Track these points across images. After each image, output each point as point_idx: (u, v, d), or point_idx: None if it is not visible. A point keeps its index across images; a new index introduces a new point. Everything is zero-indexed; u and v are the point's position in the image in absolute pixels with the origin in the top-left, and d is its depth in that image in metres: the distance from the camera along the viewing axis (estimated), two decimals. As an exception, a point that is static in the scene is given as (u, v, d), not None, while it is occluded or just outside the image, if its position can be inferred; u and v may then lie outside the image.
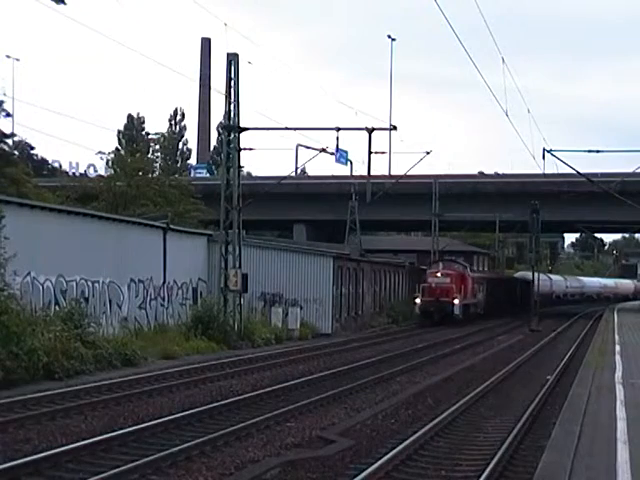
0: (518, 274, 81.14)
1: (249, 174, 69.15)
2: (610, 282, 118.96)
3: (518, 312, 62.18)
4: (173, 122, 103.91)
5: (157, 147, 65.74)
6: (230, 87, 32.41)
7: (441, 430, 14.54)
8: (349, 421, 15.45)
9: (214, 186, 41.33)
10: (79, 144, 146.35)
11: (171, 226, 32.45)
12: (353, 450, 12.81)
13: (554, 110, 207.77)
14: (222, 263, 30.88)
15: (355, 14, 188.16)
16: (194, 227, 39.43)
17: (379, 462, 11.55)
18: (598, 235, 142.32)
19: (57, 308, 23.78)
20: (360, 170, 58.85)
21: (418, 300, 47.53)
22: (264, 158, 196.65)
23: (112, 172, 53.24)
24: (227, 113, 32.77)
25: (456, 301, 47.05)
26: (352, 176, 62.35)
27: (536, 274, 53.08)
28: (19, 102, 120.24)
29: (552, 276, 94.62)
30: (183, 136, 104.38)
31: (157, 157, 63.90)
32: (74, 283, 25.33)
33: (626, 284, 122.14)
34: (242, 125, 32.64)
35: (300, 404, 16.69)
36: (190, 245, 34.19)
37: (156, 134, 74.66)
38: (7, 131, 45.59)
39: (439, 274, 48.55)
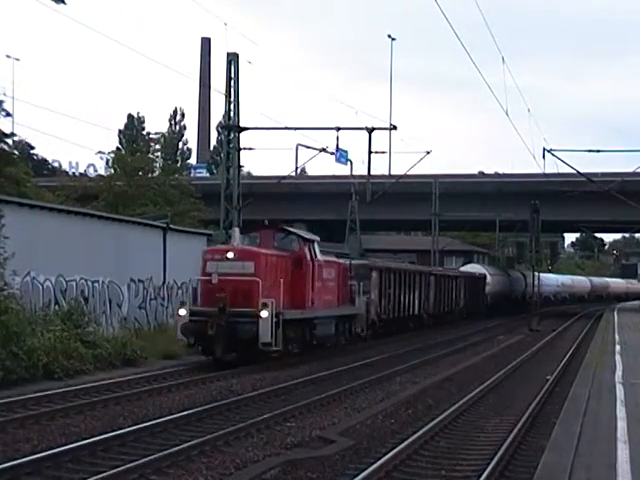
0: (465, 267, 64.38)
1: (249, 174, 69.14)
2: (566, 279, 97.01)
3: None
4: (173, 122, 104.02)
5: (157, 147, 65.70)
6: (230, 87, 32.45)
7: (441, 430, 14.53)
8: (349, 421, 15.44)
9: (214, 186, 41.35)
10: (79, 144, 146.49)
11: (171, 226, 32.40)
12: (353, 450, 12.80)
13: (554, 110, 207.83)
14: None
15: (355, 14, 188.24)
16: (194, 227, 39.39)
17: (379, 462, 11.55)
18: (598, 235, 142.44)
19: (57, 308, 23.76)
20: (360, 170, 58.78)
21: (182, 312, 23.19)
22: (264, 158, 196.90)
23: (112, 172, 53.23)
24: (227, 113, 32.81)
25: (264, 314, 22.15)
26: (352, 176, 62.33)
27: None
28: (19, 102, 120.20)
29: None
30: (183, 136, 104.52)
31: (157, 157, 63.89)
32: (74, 283, 25.30)
33: (583, 282, 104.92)
34: (242, 125, 32.68)
35: (300, 404, 16.69)
36: (190, 245, 34.15)
37: (156, 134, 74.55)
38: (7, 131, 45.54)
39: (231, 254, 23.30)
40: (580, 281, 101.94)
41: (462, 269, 61.13)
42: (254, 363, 22.53)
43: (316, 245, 26.03)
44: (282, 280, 23.50)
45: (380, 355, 27.52)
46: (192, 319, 22.73)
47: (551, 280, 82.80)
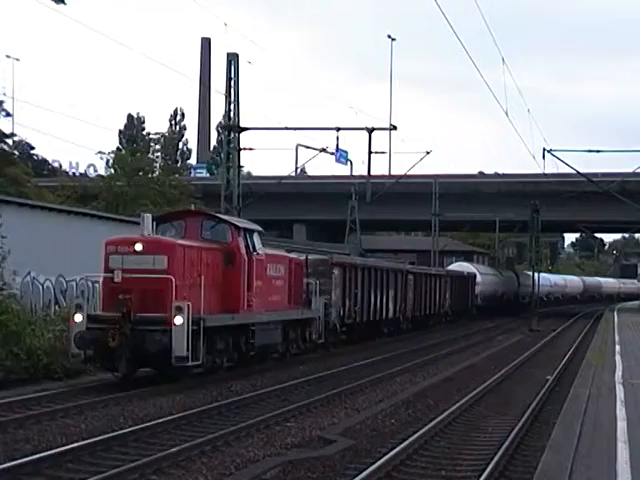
0: (454, 266, 60.49)
1: (249, 174, 69.19)
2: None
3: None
4: (173, 122, 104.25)
5: (157, 147, 65.73)
6: (230, 87, 32.47)
7: (441, 430, 14.54)
8: (349, 421, 15.44)
9: (214, 186, 41.42)
10: (79, 144, 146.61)
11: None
12: (353, 450, 12.80)
13: (554, 110, 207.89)
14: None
15: (355, 14, 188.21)
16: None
17: (379, 462, 11.55)
18: (598, 235, 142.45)
19: (57, 308, 23.74)
20: (360, 170, 59.04)
21: (78, 318, 18.66)
22: (264, 158, 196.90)
23: (112, 172, 53.26)
24: (227, 113, 32.83)
25: (178, 320, 17.92)
26: (352, 176, 62.52)
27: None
28: (19, 102, 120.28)
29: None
30: (183, 136, 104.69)
31: (157, 157, 63.91)
32: (74, 283, 25.29)
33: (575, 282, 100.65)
34: (242, 125, 32.69)
35: (300, 404, 16.69)
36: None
37: (156, 134, 74.58)
38: (7, 131, 45.63)
39: (139, 246, 18.93)
40: (573, 281, 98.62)
41: (450, 267, 57.71)
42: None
43: (256, 236, 21.81)
44: (204, 278, 19.26)
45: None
46: (90, 327, 18.33)
47: (544, 280, 75.23)
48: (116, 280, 18.73)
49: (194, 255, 19.63)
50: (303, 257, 26.84)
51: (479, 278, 57.01)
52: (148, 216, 19.56)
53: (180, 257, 19.08)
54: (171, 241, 19.71)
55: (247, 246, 21.17)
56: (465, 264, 60.97)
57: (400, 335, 36.88)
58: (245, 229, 21.40)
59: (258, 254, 21.68)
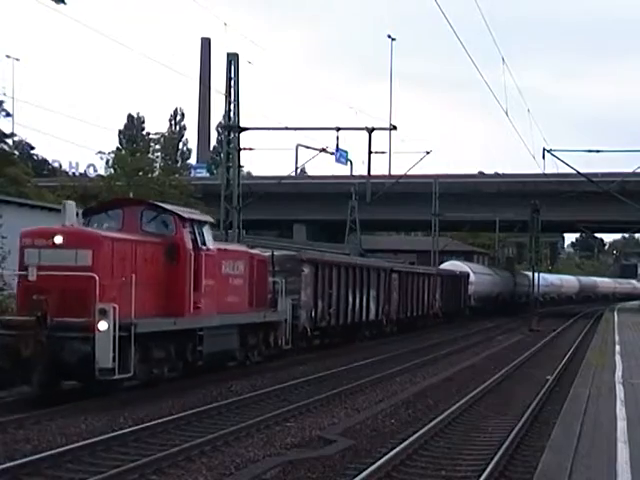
0: (446, 264, 57.00)
1: (249, 174, 69.23)
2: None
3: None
4: (173, 122, 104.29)
5: (157, 147, 65.80)
6: (230, 87, 32.47)
7: (441, 430, 14.54)
8: (349, 421, 15.44)
9: (214, 186, 41.43)
10: (79, 144, 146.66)
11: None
12: (353, 450, 12.80)
13: (554, 110, 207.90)
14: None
15: (355, 14, 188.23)
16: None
17: (379, 462, 11.55)
18: (598, 235, 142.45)
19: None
20: (360, 170, 59.08)
21: None
22: (264, 158, 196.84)
23: (112, 172, 53.30)
24: (227, 113, 32.83)
25: (102, 326, 15.54)
26: (352, 176, 62.54)
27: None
28: (19, 102, 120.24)
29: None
30: (183, 136, 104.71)
31: (157, 157, 63.97)
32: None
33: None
34: (242, 125, 32.68)
35: (300, 404, 16.69)
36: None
37: (156, 134, 74.68)
38: (7, 131, 45.65)
39: (59, 239, 16.50)
40: (569, 280, 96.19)
41: (442, 266, 54.81)
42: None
43: (206, 229, 19.40)
44: (139, 276, 16.70)
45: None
46: (0, 333, 15.89)
47: (540, 279, 72.90)
48: (30, 278, 16.14)
49: (126, 249, 17.04)
50: (268, 253, 24.72)
51: (473, 278, 55.09)
52: (71, 203, 17.22)
53: (108, 252, 16.55)
54: (96, 233, 17.22)
55: (195, 240, 18.62)
56: (458, 263, 58.15)
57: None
58: (192, 220, 18.86)
59: (209, 249, 19.16)
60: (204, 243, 19.05)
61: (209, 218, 20.19)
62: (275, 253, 25.37)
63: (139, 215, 18.55)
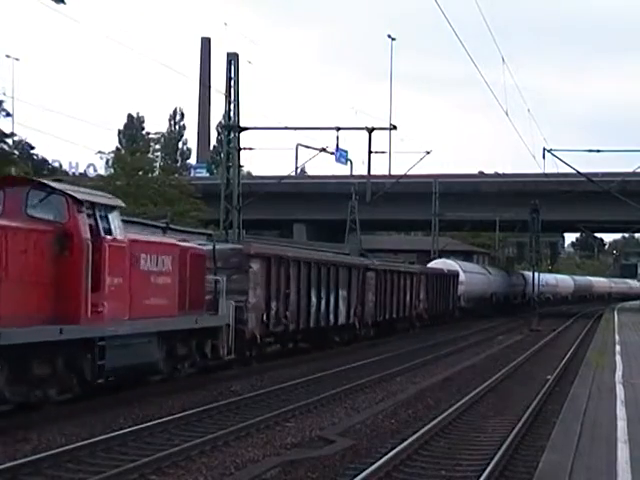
0: (435, 262, 53.21)
1: (249, 174, 69.27)
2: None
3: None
4: (173, 122, 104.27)
5: (157, 147, 65.86)
6: (230, 87, 32.50)
7: (441, 430, 14.54)
8: (349, 421, 15.44)
9: (214, 186, 41.42)
10: (79, 144, 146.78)
11: (171, 225, 32.41)
12: (353, 450, 12.80)
13: (554, 110, 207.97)
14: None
15: (355, 14, 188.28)
16: (194, 227, 39.42)
17: (379, 462, 11.55)
18: (598, 235, 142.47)
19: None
20: (360, 170, 59.11)
21: None
22: (264, 158, 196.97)
23: (112, 172, 53.34)
24: (227, 113, 32.86)
25: None
26: (352, 176, 62.52)
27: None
28: (19, 102, 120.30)
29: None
30: (183, 136, 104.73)
31: (157, 157, 64.03)
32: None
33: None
34: (242, 125, 32.70)
35: (300, 404, 16.69)
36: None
37: (156, 134, 74.76)
38: (7, 131, 45.67)
39: None
40: (564, 280, 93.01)
41: (430, 265, 50.81)
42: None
43: (115, 214, 15.91)
44: (10, 271, 13.61)
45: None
46: None
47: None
48: None
49: None
50: (209, 246, 21.07)
51: (463, 277, 51.51)
52: None
53: None
54: None
55: (95, 227, 15.24)
56: (448, 261, 54.08)
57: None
58: (93, 203, 15.42)
59: (115, 239, 15.61)
60: (109, 232, 15.51)
61: (118, 202, 16.65)
62: (217, 247, 21.46)
63: (24, 197, 15.09)
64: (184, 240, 20.04)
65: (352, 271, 30.96)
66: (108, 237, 15.43)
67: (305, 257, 27.47)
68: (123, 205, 17.00)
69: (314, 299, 27.16)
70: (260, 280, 23.66)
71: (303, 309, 26.44)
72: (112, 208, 15.95)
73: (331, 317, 28.61)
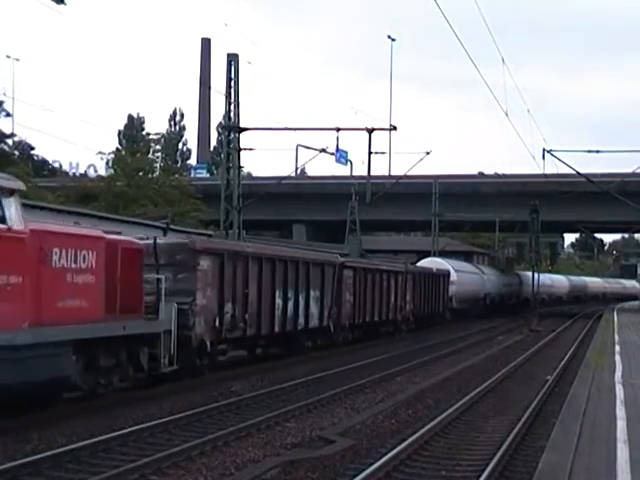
0: (424, 261, 50.45)
1: (249, 174, 69.32)
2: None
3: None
4: (173, 122, 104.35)
5: (157, 147, 65.87)
6: (230, 87, 32.54)
7: (441, 430, 14.54)
8: (349, 421, 15.45)
9: (214, 186, 41.48)
10: (79, 144, 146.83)
11: (171, 226, 32.46)
12: (353, 450, 12.81)
13: (554, 110, 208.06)
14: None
15: (355, 14, 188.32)
16: (194, 227, 39.44)
17: (379, 462, 11.55)
18: (598, 235, 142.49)
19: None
20: (360, 170, 59.09)
21: None
22: (264, 158, 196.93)
23: (112, 172, 53.37)
24: (227, 113, 32.89)
25: None
26: (352, 176, 62.54)
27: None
28: (19, 102, 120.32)
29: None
30: (183, 136, 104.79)
31: (157, 157, 64.04)
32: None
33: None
34: (242, 125, 32.73)
35: (300, 404, 16.70)
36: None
37: (156, 134, 74.76)
38: (7, 131, 45.77)
39: None
40: (559, 280, 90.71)
41: (420, 263, 47.98)
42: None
43: (11, 200, 13.02)
44: None
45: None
46: None
47: (529, 279, 63.90)
48: None
49: None
50: (149, 240, 18.29)
51: (454, 277, 48.75)
52: None
53: None
54: None
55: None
56: (438, 260, 51.29)
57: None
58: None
59: (10, 228, 12.90)
60: (3, 220, 12.83)
61: (18, 184, 13.64)
62: (159, 241, 18.73)
63: None
64: (116, 233, 17.04)
65: (326, 269, 27.90)
66: (1, 226, 12.80)
67: (267, 253, 24.51)
68: (23, 188, 13.80)
69: (279, 300, 24.38)
70: (211, 279, 20.82)
71: (265, 312, 23.53)
72: (8, 192, 13.05)
73: (301, 320, 25.83)
